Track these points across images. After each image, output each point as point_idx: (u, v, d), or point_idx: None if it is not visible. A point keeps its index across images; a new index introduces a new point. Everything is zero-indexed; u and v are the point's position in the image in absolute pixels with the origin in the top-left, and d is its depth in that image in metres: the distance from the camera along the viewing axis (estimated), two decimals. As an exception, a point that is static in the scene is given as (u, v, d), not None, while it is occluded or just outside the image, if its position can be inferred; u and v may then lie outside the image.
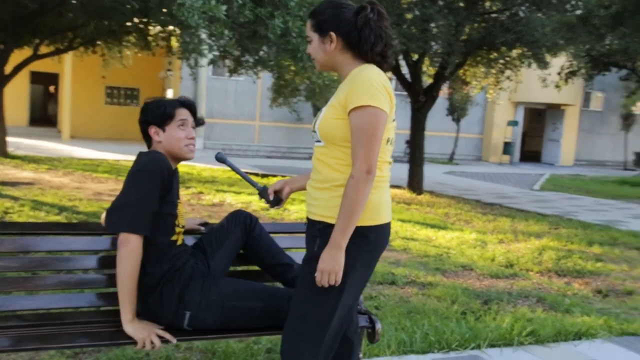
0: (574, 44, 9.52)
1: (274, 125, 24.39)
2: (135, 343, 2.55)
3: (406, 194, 12.88)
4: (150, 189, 2.60)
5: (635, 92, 23.34)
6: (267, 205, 2.83)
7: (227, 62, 8.26)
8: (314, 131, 2.43)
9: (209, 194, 10.67)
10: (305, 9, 4.91)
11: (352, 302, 2.45)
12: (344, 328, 2.50)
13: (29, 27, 9.67)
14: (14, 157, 14.63)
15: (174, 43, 11.09)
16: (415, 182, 13.12)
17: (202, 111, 23.10)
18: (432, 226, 8.82)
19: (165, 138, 2.76)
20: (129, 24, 9.18)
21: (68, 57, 20.16)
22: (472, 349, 3.93)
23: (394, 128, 2.45)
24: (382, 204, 2.39)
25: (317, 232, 2.38)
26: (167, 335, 2.58)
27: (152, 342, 2.54)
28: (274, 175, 14.77)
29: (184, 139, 2.78)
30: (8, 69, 10.30)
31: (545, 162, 29.70)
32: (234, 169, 3.01)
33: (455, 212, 10.54)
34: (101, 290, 2.93)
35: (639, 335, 4.44)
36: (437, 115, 26.11)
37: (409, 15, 10.93)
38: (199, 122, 2.93)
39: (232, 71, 8.58)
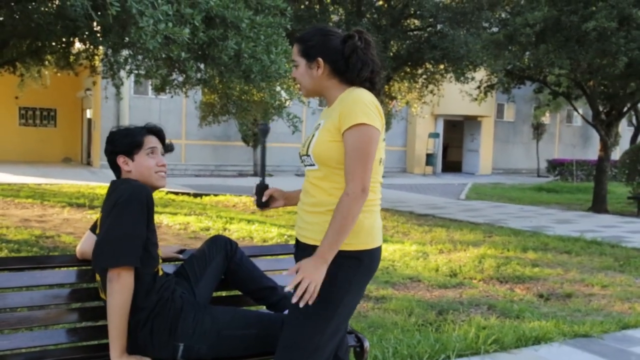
0: (498, 60, 9.95)
1: (200, 144, 24.05)
2: None
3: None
4: (139, 219, 2.52)
5: (548, 104, 24.63)
6: (253, 202, 2.76)
7: (155, 80, 8.09)
8: (307, 155, 2.41)
9: (158, 215, 10.38)
10: (255, 30, 4.92)
11: (342, 325, 2.45)
12: (335, 350, 2.49)
13: None
14: None
15: (97, 62, 10.75)
16: (347, 196, 13.22)
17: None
18: (372, 239, 8.93)
19: (135, 167, 2.68)
20: (58, 43, 8.83)
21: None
22: (443, 359, 3.98)
23: (384, 148, 2.46)
24: (375, 228, 2.40)
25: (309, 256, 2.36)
26: None
27: None
28: (207, 194, 14.59)
29: (155, 166, 2.71)
30: None
31: (465, 171, 30.56)
32: (264, 150, 2.94)
33: (392, 225, 10.65)
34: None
35: (591, 336, 4.61)
36: (360, 130, 26.51)
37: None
38: (167, 149, 2.86)
39: (159, 90, 8.41)
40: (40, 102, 24.98)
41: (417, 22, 11.86)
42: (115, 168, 2.72)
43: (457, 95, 18.06)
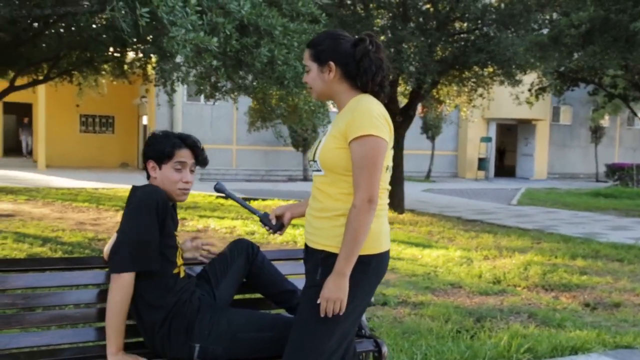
0: (545, 62, 9.73)
1: (251, 149, 24.36)
2: None
3: (389, 213, 12.90)
4: (148, 224, 2.57)
5: (604, 106, 23.85)
6: (269, 232, 2.82)
7: (205, 88, 8.27)
8: (314, 160, 2.44)
9: (192, 219, 10.60)
10: (289, 37, 4.97)
11: (351, 328, 2.45)
12: (342, 353, 2.49)
13: (3, 60, 9.58)
14: (-12, 189, 14.49)
15: (150, 71, 11.08)
16: (396, 201, 13.15)
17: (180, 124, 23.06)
18: (417, 245, 8.80)
19: (160, 176, 2.73)
20: (108, 53, 9.16)
21: (41, 87, 19.99)
22: (472, 367, 3.94)
23: (391, 155, 2.48)
24: (382, 232, 2.42)
25: (319, 262, 2.39)
26: None
27: None
28: (255, 199, 14.75)
29: (179, 182, 2.73)
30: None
31: (519, 176, 30.01)
32: (233, 198, 2.97)
33: (438, 230, 10.56)
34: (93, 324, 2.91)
35: (633, 348, 4.47)
36: (412, 134, 26.24)
37: (382, 38, 11.08)
38: (201, 163, 2.88)
39: (209, 97, 8.58)
40: (99, 110, 25.81)
41: (463, 25, 11.73)
42: (147, 171, 2.79)
43: (509, 99, 17.76)
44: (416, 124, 25.94)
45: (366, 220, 2.27)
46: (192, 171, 2.80)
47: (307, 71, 2.48)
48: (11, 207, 11.54)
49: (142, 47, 6.28)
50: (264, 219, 2.79)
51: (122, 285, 2.52)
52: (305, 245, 2.51)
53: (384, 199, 2.44)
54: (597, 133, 29.68)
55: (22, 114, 28.09)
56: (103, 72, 11.82)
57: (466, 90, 13.88)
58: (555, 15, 11.21)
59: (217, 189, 3.02)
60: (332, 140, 2.37)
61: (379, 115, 2.31)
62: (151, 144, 2.75)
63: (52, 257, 3.30)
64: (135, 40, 5.00)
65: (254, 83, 6.02)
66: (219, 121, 23.83)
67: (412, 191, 19.16)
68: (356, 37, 2.46)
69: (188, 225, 10.04)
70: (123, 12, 3.45)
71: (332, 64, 2.41)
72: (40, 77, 10.99)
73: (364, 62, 2.39)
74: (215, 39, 3.69)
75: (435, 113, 24.06)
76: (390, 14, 11.83)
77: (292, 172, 24.89)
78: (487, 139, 28.29)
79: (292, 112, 8.29)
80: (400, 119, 12.94)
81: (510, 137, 31.45)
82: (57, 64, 10.47)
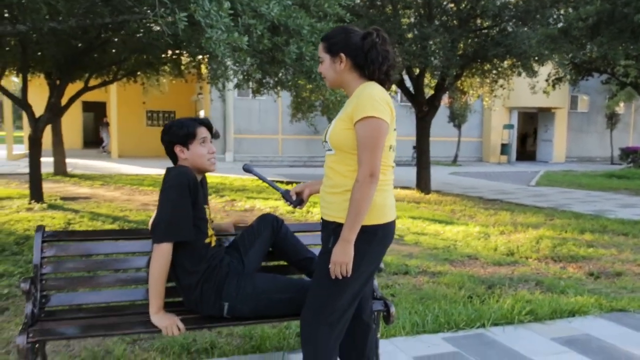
0: (557, 53, 9.47)
1: (294, 138, 24.47)
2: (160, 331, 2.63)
3: (415, 194, 12.82)
4: (181, 201, 2.63)
5: (617, 94, 23.15)
6: (290, 207, 2.85)
7: (251, 84, 8.33)
8: (325, 141, 2.47)
9: (240, 200, 10.75)
10: (316, 35, 4.98)
11: (360, 289, 2.46)
12: (353, 311, 2.51)
13: (78, 64, 9.87)
14: (72, 176, 14.93)
15: (204, 70, 11.23)
16: (423, 183, 13.08)
17: (230, 129, 23.27)
18: (440, 222, 8.76)
19: (190, 155, 2.79)
20: (164, 56, 9.32)
21: (113, 87, 20.47)
22: (478, 327, 3.94)
23: (395, 136, 2.48)
24: (386, 205, 2.42)
25: (331, 231, 2.41)
26: (181, 325, 2.63)
27: (175, 331, 2.60)
28: (298, 182, 14.83)
29: (207, 154, 2.81)
30: (64, 101, 10.51)
31: (539, 160, 29.38)
32: (259, 177, 3.00)
33: (460, 209, 10.45)
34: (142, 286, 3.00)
35: (627, 311, 4.41)
36: (440, 122, 25.99)
37: (409, 35, 10.95)
38: (215, 136, 2.96)
39: (256, 92, 8.66)
40: (162, 106, 26.27)
41: (483, 21, 11.49)
42: (172, 155, 2.83)
43: (529, 89, 17.37)
44: (444, 113, 25.67)
45: (368, 193, 2.28)
46: (211, 143, 2.87)
47: (321, 62, 2.50)
48: (88, 191, 11.90)
49: (188, 48, 6.37)
50: (286, 195, 2.81)
51: (161, 253, 2.60)
52: (321, 217, 2.55)
53: (388, 175, 2.44)
54: (612, 119, 28.95)
55: (99, 111, 28.85)
56: (163, 73, 12.01)
57: (488, 81, 13.61)
58: (570, 10, 10.94)
59: (246, 169, 3.03)
60: (340, 123, 2.40)
61: (380, 100, 2.32)
62: (171, 131, 2.80)
63: (109, 229, 3.43)
64: (181, 42, 5.09)
65: (287, 77, 6.04)
66: (266, 114, 23.99)
67: (439, 174, 18.98)
68: (365, 30, 2.46)
69: (237, 205, 10.19)
70: (164, 17, 3.53)
71: (342, 55, 2.43)
72: (110, 79, 11.26)
73: (371, 53, 2.40)
74: (246, 38, 3.72)
75: (461, 103, 23.71)
76: (416, 13, 11.67)
77: (332, 159, 24.88)
78: (509, 126, 27.76)
79: (326, 105, 8.32)
80: (427, 109, 12.81)
81: (531, 124, 30.79)
82: (123, 66, 10.71)
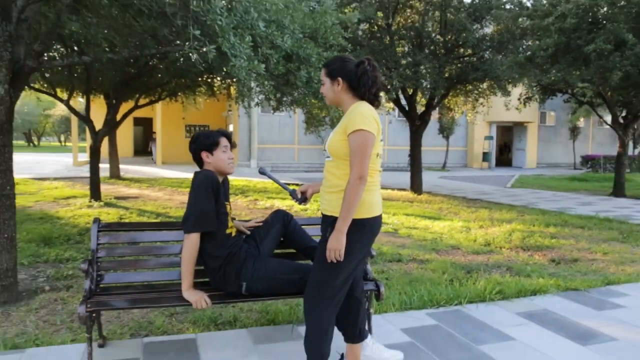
0: (525, 77, 9.46)
1: (309, 148, 24.49)
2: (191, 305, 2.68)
3: (410, 194, 12.76)
4: (206, 199, 2.67)
5: (576, 111, 23.08)
6: (296, 203, 2.88)
7: (271, 102, 8.40)
8: (325, 150, 2.51)
9: (262, 200, 10.80)
10: (322, 62, 5.03)
11: (353, 271, 2.48)
12: (347, 289, 2.52)
13: (131, 87, 10.01)
14: (124, 179, 15.06)
15: (232, 91, 11.31)
16: (416, 185, 13.04)
17: (255, 140, 23.33)
18: (430, 218, 8.72)
19: (214, 160, 2.82)
20: (199, 79, 9.42)
21: (158, 105, 20.65)
22: (456, 305, 3.95)
23: (381, 146, 2.50)
24: (374, 202, 2.44)
25: (329, 224, 2.44)
26: (208, 300, 2.67)
27: (203, 304, 2.65)
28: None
29: (227, 159, 2.84)
30: (118, 117, 10.67)
31: (515, 166, 29.15)
32: (272, 178, 3.00)
33: (447, 207, 10.40)
34: (176, 268, 3.04)
35: (579, 289, 4.42)
36: (431, 134, 25.95)
37: (403, 61, 10.96)
38: (233, 146, 2.99)
39: (275, 109, 8.73)
40: (198, 120, 26.39)
41: (465, 50, 11.48)
42: (199, 161, 2.87)
43: (508, 105, 17.26)
44: (434, 126, 25.60)
45: (357, 192, 2.30)
46: (231, 151, 2.91)
47: (323, 84, 2.55)
48: (137, 191, 11.99)
49: (218, 73, 6.46)
50: (293, 194, 2.84)
51: (191, 242, 2.65)
52: (321, 212, 2.59)
53: (375, 178, 2.47)
54: (574, 132, 29.04)
55: (147, 126, 29.10)
56: (199, 93, 12.10)
57: (470, 100, 13.57)
58: (536, 42, 10.91)
59: (261, 172, 3.05)
60: (336, 135, 2.43)
61: (369, 116, 2.36)
62: (200, 141, 2.83)
63: (152, 222, 3.52)
64: (213, 68, 5.17)
65: (299, 97, 6.09)
66: (285, 127, 24.05)
67: (430, 178, 18.89)
68: (358, 59, 2.50)
69: (259, 204, 10.22)
70: (197, 49, 3.60)
71: (340, 79, 2.47)
72: (155, 98, 11.39)
73: (363, 78, 2.44)
74: (263, 65, 3.77)
75: (448, 118, 23.65)
76: (410, 43, 11.68)
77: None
78: (489, 137, 27.59)
79: (332, 120, 8.38)
80: (419, 123, 12.78)
81: (508, 135, 30.62)
82: (166, 88, 10.84)
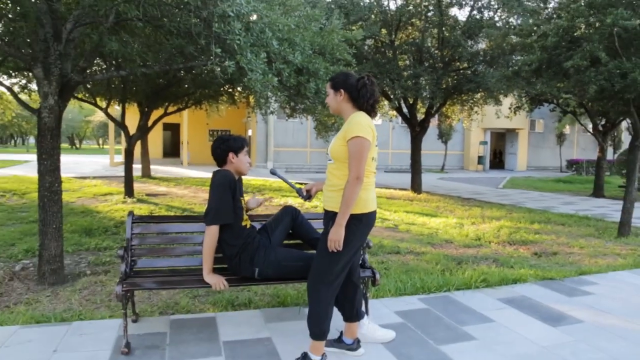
0: (514, 89, 9.44)
1: (320, 151, 24.55)
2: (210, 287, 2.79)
3: (410, 194, 12.75)
4: (224, 195, 2.76)
5: (561, 120, 22.98)
6: (302, 200, 2.95)
7: (286, 110, 8.53)
8: (327, 154, 2.61)
9: (276, 198, 10.87)
10: (329, 75, 5.13)
11: (350, 259, 2.55)
12: (345, 275, 2.60)
13: (161, 96, 10.19)
14: (154, 178, 15.19)
15: (251, 100, 11.44)
16: (416, 185, 13.06)
17: (271, 143, 23.44)
18: (427, 215, 8.73)
19: (237, 161, 2.91)
20: (222, 89, 9.56)
21: (185, 112, 20.88)
22: (445, 291, 4.01)
23: (377, 150, 2.58)
24: (369, 199, 2.52)
25: (330, 218, 2.52)
26: (225, 283, 2.78)
27: (221, 286, 2.75)
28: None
29: (246, 162, 2.94)
30: (149, 123, 10.85)
31: (507, 168, 28.97)
32: (281, 178, 3.04)
33: (444, 205, 10.39)
34: (199, 255, 3.13)
35: (554, 279, 4.46)
36: (431, 139, 25.91)
37: (405, 73, 11.02)
38: (248, 153, 3.09)
39: (289, 116, 8.85)
40: (220, 126, 26.53)
41: (461, 64, 11.50)
42: (221, 160, 2.92)
43: (499, 114, 17.14)
44: (434, 132, 25.55)
45: (355, 191, 2.38)
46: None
47: (327, 95, 2.65)
48: (165, 189, 12.09)
49: (237, 85, 6.59)
50: (299, 192, 2.92)
51: (211, 233, 2.76)
52: (324, 208, 2.68)
53: (371, 178, 2.54)
54: (561, 138, 28.88)
55: (174, 131, 29.35)
56: (221, 102, 12.23)
57: (465, 108, 13.57)
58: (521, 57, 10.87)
59: (272, 172, 3.12)
60: (337, 141, 2.52)
61: (365, 125, 2.44)
62: (230, 143, 2.91)
63: (179, 215, 3.64)
64: (233, 80, 5.30)
65: (309, 106, 6.20)
66: (298, 132, 24.15)
67: (430, 179, 18.86)
68: (359, 75, 2.60)
69: (274, 202, 10.25)
70: (218, 64, 3.72)
71: (342, 90, 2.56)
72: (182, 106, 11.55)
73: (362, 91, 2.53)
74: (276, 78, 3.88)
75: (446, 125, 23.59)
76: (411, 57, 11.72)
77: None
78: (484, 143, 27.45)
79: (340, 127, 8.52)
80: (419, 129, 12.81)
81: (501, 141, 30.44)
82: (192, 97, 11.00)
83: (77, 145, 58.68)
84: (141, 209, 8.10)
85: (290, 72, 4.36)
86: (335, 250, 2.44)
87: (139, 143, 16.52)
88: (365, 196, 2.49)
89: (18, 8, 4.19)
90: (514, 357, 2.80)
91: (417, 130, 12.82)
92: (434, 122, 23.17)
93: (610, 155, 27.23)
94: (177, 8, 4.05)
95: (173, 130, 30.21)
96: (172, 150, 30.67)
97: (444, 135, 25.28)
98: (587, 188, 15.51)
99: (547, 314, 3.54)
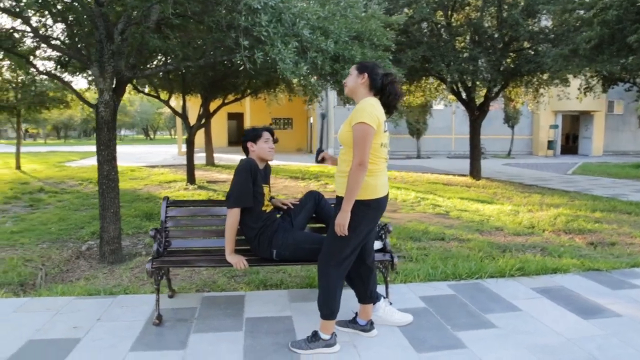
0: (573, 69, 8.65)
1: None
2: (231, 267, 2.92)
3: (468, 180, 12.35)
4: (245, 180, 2.88)
5: (638, 100, 20.66)
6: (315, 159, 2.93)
7: (342, 97, 8.57)
8: (336, 139, 2.65)
9: (332, 184, 11.00)
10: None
11: (359, 243, 2.57)
12: (354, 257, 2.62)
13: (218, 87, 10.63)
14: (217, 166, 15.91)
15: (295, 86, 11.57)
16: (475, 171, 12.61)
17: (332, 129, 23.55)
18: (482, 201, 8.44)
19: (257, 148, 3.04)
20: (276, 78, 9.78)
21: (247, 101, 21.52)
22: (476, 278, 3.91)
23: (387, 136, 2.58)
24: (377, 185, 2.52)
25: (339, 203, 2.54)
26: (246, 263, 2.90)
27: (242, 266, 2.88)
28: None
29: (267, 148, 3.04)
30: (210, 111, 11.32)
31: (581, 154, 26.89)
32: (322, 128, 3.10)
33: (502, 192, 9.95)
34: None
35: (601, 270, 4.18)
36: (497, 123, 24.70)
37: (461, 56, 10.59)
38: (275, 140, 3.15)
39: (346, 102, 8.93)
40: (283, 114, 27.15)
41: (523, 43, 10.80)
42: (245, 149, 3.10)
43: (573, 95, 15.88)
44: (500, 116, 24.34)
45: (358, 177, 2.39)
46: (274, 142, 3.10)
47: (350, 75, 2.66)
48: (226, 176, 12.54)
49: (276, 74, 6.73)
50: (317, 151, 2.90)
51: (232, 215, 2.90)
52: (336, 194, 2.71)
53: (379, 165, 2.54)
54: (641, 119, 26.01)
55: (239, 120, 30.39)
56: (279, 90, 12.47)
57: (530, 90, 12.79)
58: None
59: (322, 115, 3.28)
60: (345, 127, 2.55)
61: (370, 112, 2.44)
62: (247, 135, 3.08)
63: (209, 199, 3.84)
64: (271, 70, 5.41)
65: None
66: (356, 119, 24.04)
67: (494, 164, 18.06)
68: (385, 71, 2.62)
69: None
70: (248, 56, 3.85)
71: (366, 75, 2.58)
72: (239, 96, 11.95)
73: (389, 87, 2.57)
74: (305, 67, 3.93)
75: (513, 108, 22.37)
76: (467, 39, 11.22)
77: (409, 153, 24.44)
78: (554, 126, 25.66)
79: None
80: (477, 113, 12.31)
81: (575, 124, 28.27)
82: (249, 87, 11.36)
83: (152, 136, 62.63)
84: (200, 195, 8.57)
85: (324, 60, 4.38)
86: (343, 235, 2.48)
87: (202, 132, 17.32)
88: (374, 182, 2.50)
89: (74, 15, 4.57)
90: (531, 347, 2.69)
91: (475, 114, 12.31)
92: (495, 105, 22.02)
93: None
94: (217, 4, 4.22)
95: (238, 120, 31.30)
96: (237, 139, 31.79)
97: (511, 119, 23.96)
98: (672, 174, 14.10)
99: (582, 306, 3.34)
